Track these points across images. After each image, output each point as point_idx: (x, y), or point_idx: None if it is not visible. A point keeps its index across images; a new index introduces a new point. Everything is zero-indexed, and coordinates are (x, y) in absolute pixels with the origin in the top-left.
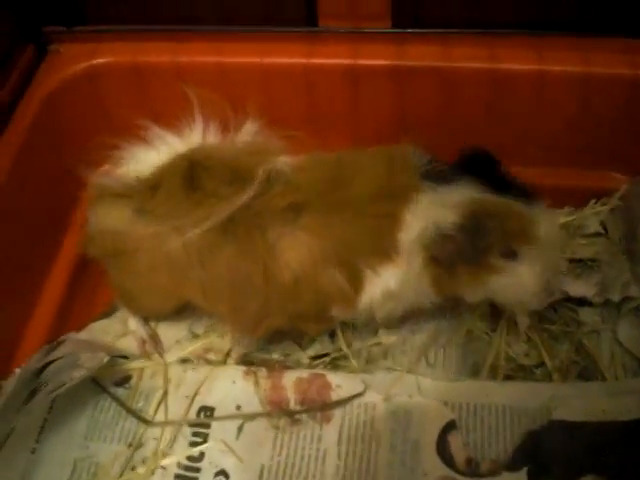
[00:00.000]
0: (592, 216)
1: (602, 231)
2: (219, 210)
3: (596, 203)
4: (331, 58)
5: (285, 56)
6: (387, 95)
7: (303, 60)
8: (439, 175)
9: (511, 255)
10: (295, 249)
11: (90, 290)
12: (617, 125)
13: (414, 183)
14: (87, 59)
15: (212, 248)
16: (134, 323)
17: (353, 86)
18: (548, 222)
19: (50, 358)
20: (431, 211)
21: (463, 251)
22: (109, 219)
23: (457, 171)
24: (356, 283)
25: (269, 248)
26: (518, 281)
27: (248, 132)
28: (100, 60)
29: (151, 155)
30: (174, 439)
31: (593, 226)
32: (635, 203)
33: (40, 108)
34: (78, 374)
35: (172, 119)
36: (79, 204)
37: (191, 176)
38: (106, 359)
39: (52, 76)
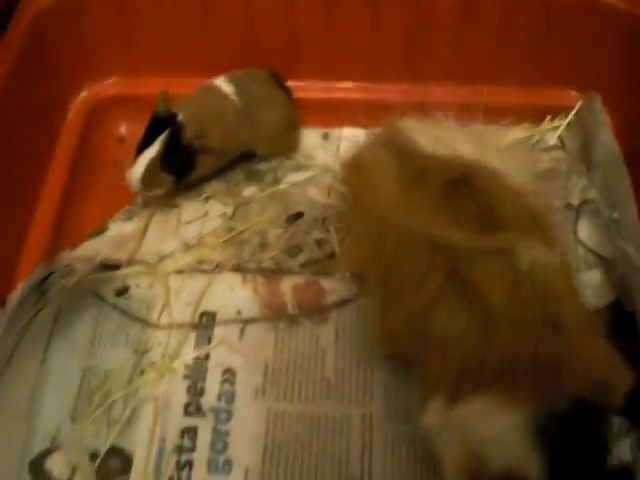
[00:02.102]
0: (550, 131)
1: (560, 144)
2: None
3: (552, 119)
4: None
5: None
6: None
7: None
8: None
9: None
10: None
11: (79, 213)
12: (571, 45)
13: None
14: None
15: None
16: None
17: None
18: None
19: (48, 271)
20: None
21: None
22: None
23: None
24: None
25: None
26: None
27: None
28: None
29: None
30: (180, 343)
31: (552, 140)
32: (589, 117)
33: (30, 29)
34: (74, 279)
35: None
36: (64, 128)
37: (457, 192)
38: (98, 259)
39: None
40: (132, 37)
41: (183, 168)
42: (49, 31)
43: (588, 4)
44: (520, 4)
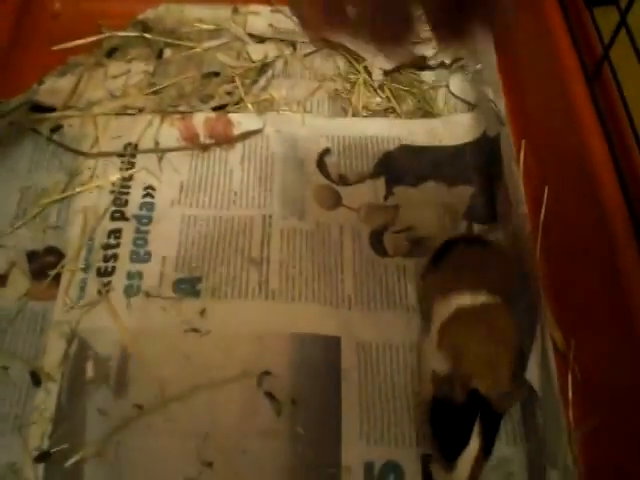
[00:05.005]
0: None
1: None
2: None
3: None
4: None
5: None
6: None
7: None
8: None
9: None
10: None
11: (16, 74)
12: None
13: None
14: None
15: None
16: None
17: None
18: None
19: None
20: None
21: None
22: None
23: None
24: None
25: None
26: None
27: None
28: None
29: None
30: (107, 167)
31: None
32: None
33: None
34: (12, 106)
35: None
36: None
37: None
38: (34, 96)
39: None
40: None
41: None
42: None
43: None
44: None
